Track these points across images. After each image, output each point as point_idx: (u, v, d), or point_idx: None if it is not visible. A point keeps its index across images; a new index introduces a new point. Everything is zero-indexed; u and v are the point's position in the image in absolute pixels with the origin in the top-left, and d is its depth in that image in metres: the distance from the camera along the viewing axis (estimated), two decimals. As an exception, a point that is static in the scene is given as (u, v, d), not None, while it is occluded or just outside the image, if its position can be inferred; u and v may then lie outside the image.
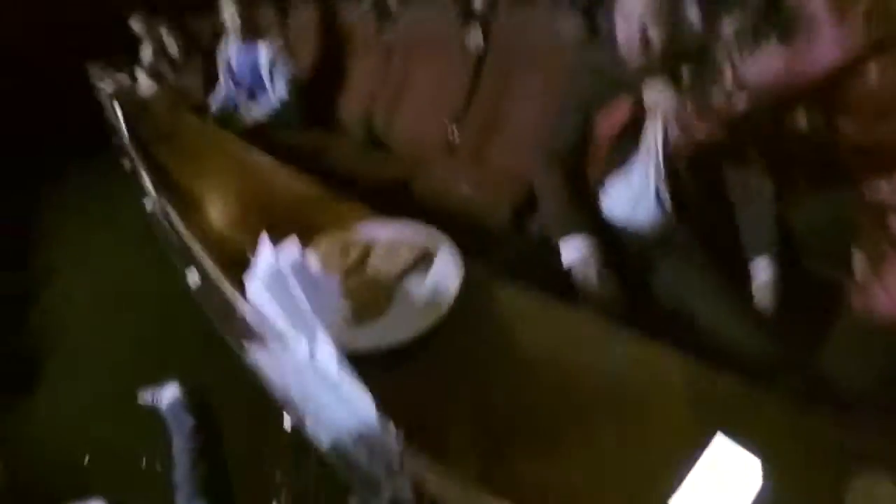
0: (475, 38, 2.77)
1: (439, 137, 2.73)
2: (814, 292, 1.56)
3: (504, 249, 1.76)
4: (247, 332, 1.07)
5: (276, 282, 0.95)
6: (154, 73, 4.00)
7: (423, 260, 1.21)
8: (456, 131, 2.70)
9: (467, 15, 2.90)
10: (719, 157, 1.60)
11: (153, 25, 4.56)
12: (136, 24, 4.71)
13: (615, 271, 1.53)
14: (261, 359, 1.01)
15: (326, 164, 2.84)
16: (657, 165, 1.63)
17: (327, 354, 0.84)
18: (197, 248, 1.44)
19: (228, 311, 1.17)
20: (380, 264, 1.21)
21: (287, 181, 1.76)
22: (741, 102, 1.50)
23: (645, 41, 1.52)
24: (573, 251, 1.54)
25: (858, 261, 1.49)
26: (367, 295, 1.14)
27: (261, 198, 1.71)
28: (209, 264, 1.33)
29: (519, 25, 2.64)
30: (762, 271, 1.52)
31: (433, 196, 2.34)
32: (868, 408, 1.38)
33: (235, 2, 3.42)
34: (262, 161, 1.96)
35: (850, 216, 1.51)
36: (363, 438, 0.83)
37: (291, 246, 1.05)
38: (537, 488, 0.79)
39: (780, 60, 1.32)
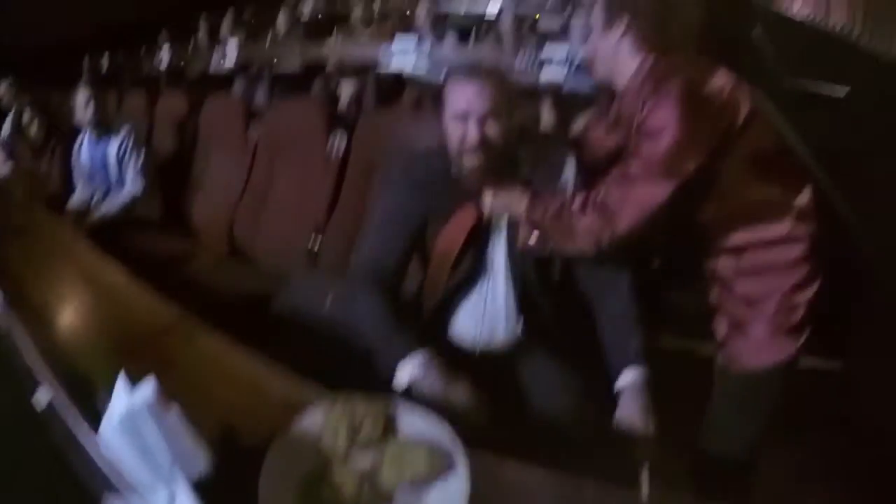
0: (339, 143, 2.82)
1: (303, 248, 2.72)
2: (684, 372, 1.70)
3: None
4: (98, 477, 1.00)
5: (133, 427, 0.92)
6: (10, 153, 3.85)
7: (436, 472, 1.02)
8: (319, 242, 2.71)
9: (333, 119, 2.95)
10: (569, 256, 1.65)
11: (21, 97, 4.39)
12: (4, 92, 4.51)
13: (468, 380, 1.44)
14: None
15: (184, 275, 2.79)
16: (507, 279, 1.67)
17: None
18: (43, 369, 1.31)
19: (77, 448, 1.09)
20: (389, 465, 1.01)
21: (144, 303, 1.68)
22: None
23: (483, 139, 1.53)
24: (409, 371, 1.44)
25: (719, 323, 1.65)
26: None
27: (116, 321, 1.62)
28: (57, 392, 1.23)
29: (382, 132, 2.69)
30: (629, 383, 1.52)
31: (295, 314, 2.30)
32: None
33: (90, 89, 3.35)
34: (119, 278, 1.87)
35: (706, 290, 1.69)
36: None
37: (149, 387, 0.96)
38: None
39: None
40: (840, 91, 3.25)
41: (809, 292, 1.51)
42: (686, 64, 1.48)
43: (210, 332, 1.47)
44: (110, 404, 0.99)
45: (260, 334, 1.44)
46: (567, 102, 3.97)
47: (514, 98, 1.62)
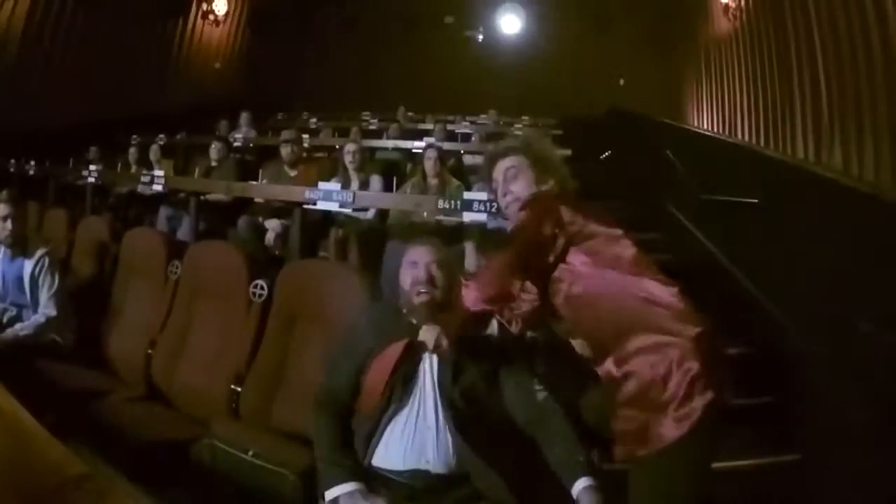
0: (260, 288, 2.82)
1: (223, 395, 2.69)
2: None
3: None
4: None
5: None
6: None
7: None
8: (239, 389, 2.67)
9: (254, 265, 2.97)
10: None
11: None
12: None
13: None
14: None
15: (97, 412, 2.66)
16: (436, 401, 1.83)
17: None
18: None
19: None
20: None
21: (50, 450, 1.49)
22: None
23: (431, 280, 1.95)
24: (337, 492, 1.65)
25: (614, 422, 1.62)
26: None
27: (17, 468, 1.48)
28: None
29: (305, 278, 2.76)
30: (586, 486, 1.61)
31: (214, 460, 2.21)
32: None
33: (9, 206, 3.31)
34: (23, 421, 1.67)
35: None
36: None
37: None
38: None
39: None
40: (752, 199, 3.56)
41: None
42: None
43: (123, 486, 1.44)
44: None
45: (178, 483, 1.44)
46: (491, 239, 4.22)
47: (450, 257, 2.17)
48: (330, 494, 1.66)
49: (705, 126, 9.35)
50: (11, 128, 7.38)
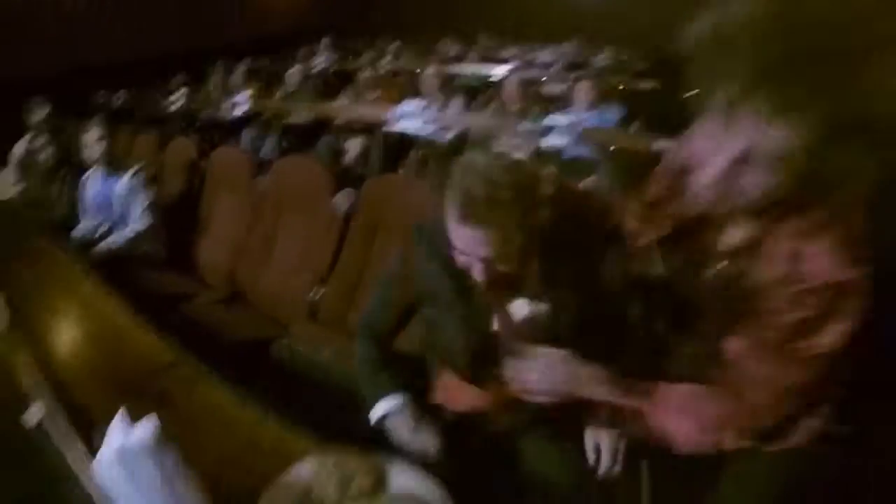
0: (345, 197, 2.93)
1: (303, 299, 2.79)
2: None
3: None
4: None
5: (129, 464, 0.97)
6: (22, 176, 3.95)
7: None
8: (319, 294, 2.77)
9: (338, 177, 3.05)
10: None
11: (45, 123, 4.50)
12: (35, 111, 4.61)
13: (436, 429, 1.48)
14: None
15: (185, 314, 2.85)
16: None
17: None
18: (41, 390, 1.40)
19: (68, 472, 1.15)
20: None
21: (146, 341, 1.73)
22: None
23: (490, 275, 1.38)
24: (382, 409, 1.52)
25: None
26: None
27: (116, 355, 1.69)
28: (52, 414, 1.31)
29: (388, 192, 2.78)
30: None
31: (293, 359, 2.37)
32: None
33: (101, 129, 3.48)
34: (122, 314, 1.91)
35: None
36: None
37: (149, 427, 1.01)
38: None
39: None
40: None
41: None
42: None
43: (208, 376, 1.52)
44: (108, 437, 1.02)
45: (257, 379, 1.48)
46: (569, 168, 4.13)
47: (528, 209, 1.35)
48: (376, 411, 1.53)
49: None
50: (98, 61, 7.59)
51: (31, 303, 1.97)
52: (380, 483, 1.13)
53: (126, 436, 1.00)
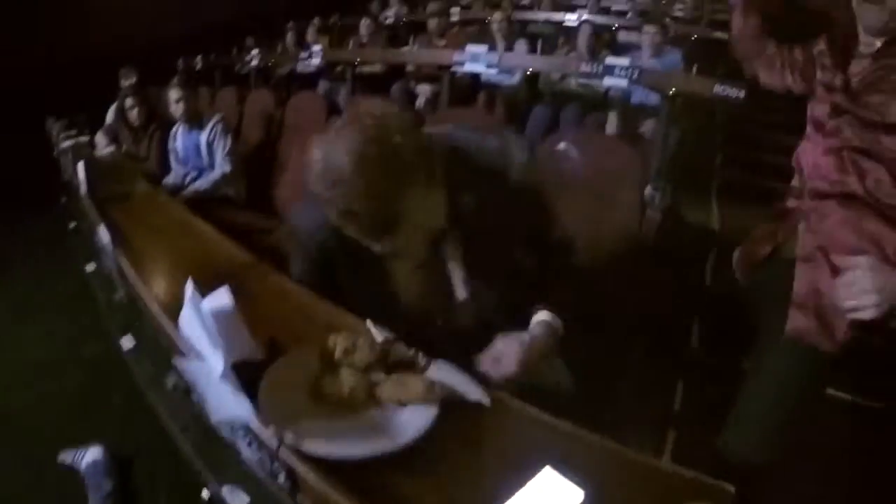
0: None
1: None
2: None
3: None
4: (177, 351, 1.29)
5: (199, 313, 1.18)
6: (113, 137, 4.23)
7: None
8: None
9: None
10: None
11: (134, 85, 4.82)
12: (125, 77, 4.90)
13: None
14: (186, 368, 1.21)
15: (264, 244, 3.00)
16: None
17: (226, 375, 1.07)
18: (145, 299, 1.62)
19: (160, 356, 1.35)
20: (391, 384, 1.13)
21: (227, 248, 1.97)
22: None
23: None
24: None
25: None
26: (345, 395, 1.11)
27: (203, 258, 1.92)
28: (154, 309, 1.53)
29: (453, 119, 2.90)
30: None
31: None
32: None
33: (181, 90, 3.76)
34: (207, 229, 2.17)
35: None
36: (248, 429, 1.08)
37: (220, 293, 1.29)
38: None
39: None
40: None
41: None
42: None
43: (280, 274, 1.69)
44: (185, 297, 1.25)
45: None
46: (631, 112, 4.14)
47: None
48: None
49: None
50: (175, 30, 7.89)
51: (135, 226, 2.22)
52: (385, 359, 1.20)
53: (197, 297, 1.25)
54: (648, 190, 2.66)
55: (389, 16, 7.26)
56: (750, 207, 3.41)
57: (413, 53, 4.64)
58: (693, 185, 4.23)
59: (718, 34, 6.73)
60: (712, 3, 8.83)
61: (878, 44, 1.43)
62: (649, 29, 4.52)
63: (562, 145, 2.75)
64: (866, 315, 1.31)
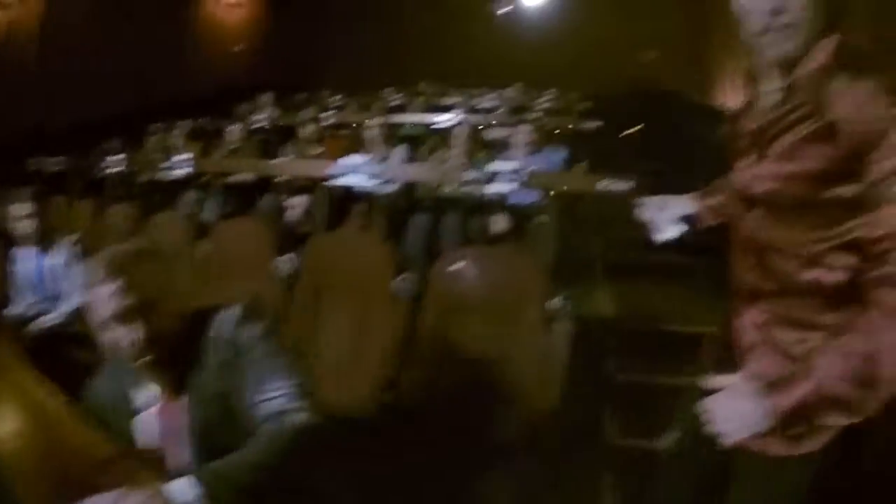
0: (288, 262, 2.89)
1: None
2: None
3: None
4: None
5: None
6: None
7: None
8: None
9: (281, 238, 3.05)
10: None
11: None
12: None
13: None
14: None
15: None
16: None
17: None
18: None
19: None
20: None
21: (82, 435, 1.59)
22: None
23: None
24: None
25: None
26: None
27: (51, 448, 1.58)
28: None
29: (331, 250, 2.79)
30: None
31: None
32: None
33: (32, 203, 3.34)
34: (58, 405, 1.77)
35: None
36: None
37: None
38: None
39: None
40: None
41: None
42: None
43: (151, 469, 1.43)
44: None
45: None
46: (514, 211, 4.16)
47: None
48: None
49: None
50: (30, 127, 7.41)
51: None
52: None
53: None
54: (552, 301, 2.59)
55: (261, 119, 7.13)
56: (641, 285, 3.51)
57: (288, 165, 4.47)
58: (585, 274, 4.28)
59: (588, 124, 7.13)
60: (575, 94, 9.43)
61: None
62: (523, 129, 4.61)
63: (456, 266, 2.69)
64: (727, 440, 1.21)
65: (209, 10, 9.36)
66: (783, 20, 1.18)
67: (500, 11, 12.87)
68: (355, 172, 3.55)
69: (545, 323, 2.53)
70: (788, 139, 1.24)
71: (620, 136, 8.60)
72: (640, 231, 1.81)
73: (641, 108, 8.79)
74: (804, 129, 1.21)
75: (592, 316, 3.49)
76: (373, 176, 3.57)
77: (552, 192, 3.10)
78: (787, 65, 1.25)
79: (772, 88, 1.31)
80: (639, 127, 8.89)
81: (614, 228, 4.97)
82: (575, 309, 2.65)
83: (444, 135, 5.17)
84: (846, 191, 1.16)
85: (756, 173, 1.33)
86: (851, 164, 1.14)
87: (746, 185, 1.36)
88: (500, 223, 4.06)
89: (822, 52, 1.21)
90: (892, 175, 1.09)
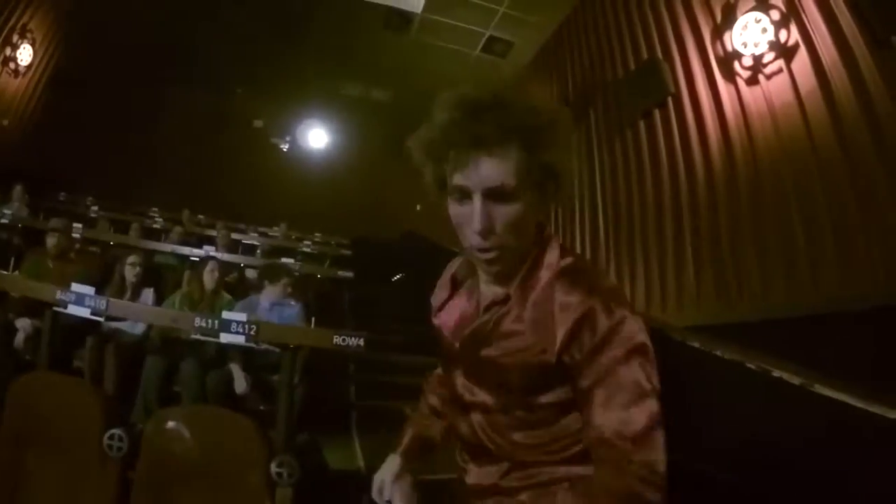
0: None
1: None
2: None
3: None
4: None
5: None
6: None
7: None
8: None
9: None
10: None
11: None
12: None
13: None
14: None
15: None
16: None
17: None
18: None
19: None
20: None
21: None
22: None
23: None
24: None
25: None
26: None
27: None
28: None
29: (34, 397, 2.61)
30: None
31: None
32: None
33: None
34: None
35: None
36: None
37: None
38: None
39: None
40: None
41: None
42: None
43: None
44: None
45: None
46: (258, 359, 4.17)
47: None
48: None
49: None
50: None
51: None
52: None
53: None
54: (274, 466, 2.54)
55: (6, 215, 6.59)
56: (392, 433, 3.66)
57: (8, 280, 4.01)
58: (332, 426, 4.34)
59: (342, 273, 7.44)
60: (337, 240, 9.80)
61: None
62: (285, 280, 4.79)
63: (171, 423, 2.59)
64: None
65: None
66: (491, 243, 1.23)
67: (282, 147, 13.18)
68: (83, 303, 3.33)
69: (268, 489, 2.50)
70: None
71: (383, 282, 9.05)
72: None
73: (407, 257, 9.25)
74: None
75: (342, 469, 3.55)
76: (100, 312, 3.36)
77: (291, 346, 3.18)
78: (503, 278, 1.32)
79: (485, 290, 1.39)
80: (400, 276, 9.37)
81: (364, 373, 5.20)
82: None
83: (199, 269, 5.16)
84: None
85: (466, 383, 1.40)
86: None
87: (459, 394, 1.42)
88: (241, 384, 4.11)
89: (548, 270, 1.30)
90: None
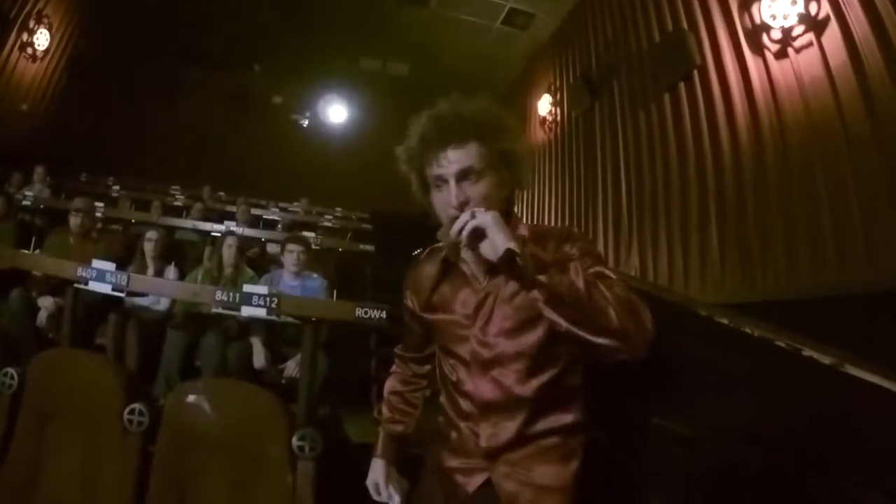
0: (10, 378, 2.65)
1: None
2: None
3: None
4: None
5: None
6: None
7: None
8: None
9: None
10: None
11: None
12: None
13: None
14: None
15: None
16: None
17: None
18: None
19: None
20: None
21: None
22: None
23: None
24: None
25: None
26: None
27: None
28: None
29: (57, 372, 2.62)
30: None
31: None
32: None
33: None
34: None
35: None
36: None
37: None
38: None
39: None
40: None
41: None
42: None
43: None
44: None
45: None
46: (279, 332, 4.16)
47: None
48: None
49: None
50: None
51: None
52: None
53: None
54: (295, 440, 2.55)
55: (28, 196, 6.62)
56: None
57: (31, 259, 3.99)
58: (353, 399, 4.32)
59: (363, 247, 7.43)
60: (358, 214, 9.75)
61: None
62: (293, 247, 4.66)
63: (191, 397, 2.59)
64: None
65: (3, 57, 8.34)
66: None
67: (302, 122, 13.11)
68: (104, 279, 3.30)
69: (289, 462, 2.50)
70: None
71: (403, 257, 8.85)
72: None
73: (426, 231, 9.15)
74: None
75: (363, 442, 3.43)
76: (121, 287, 3.34)
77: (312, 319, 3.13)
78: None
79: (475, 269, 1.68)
80: (419, 251, 9.30)
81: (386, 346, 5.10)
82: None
83: (219, 244, 5.12)
84: None
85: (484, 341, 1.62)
86: None
87: (476, 352, 1.63)
88: (260, 359, 4.10)
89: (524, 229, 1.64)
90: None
